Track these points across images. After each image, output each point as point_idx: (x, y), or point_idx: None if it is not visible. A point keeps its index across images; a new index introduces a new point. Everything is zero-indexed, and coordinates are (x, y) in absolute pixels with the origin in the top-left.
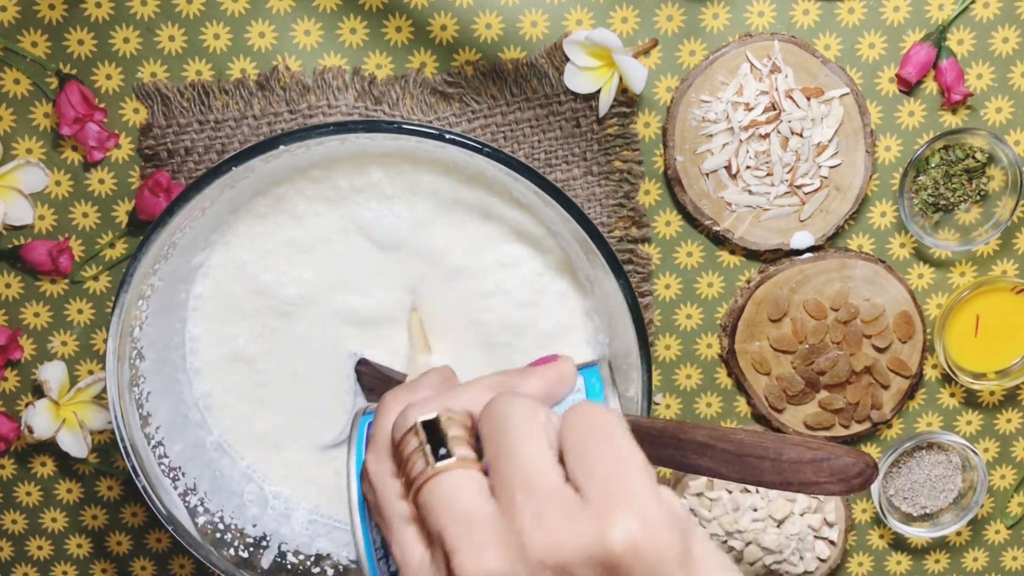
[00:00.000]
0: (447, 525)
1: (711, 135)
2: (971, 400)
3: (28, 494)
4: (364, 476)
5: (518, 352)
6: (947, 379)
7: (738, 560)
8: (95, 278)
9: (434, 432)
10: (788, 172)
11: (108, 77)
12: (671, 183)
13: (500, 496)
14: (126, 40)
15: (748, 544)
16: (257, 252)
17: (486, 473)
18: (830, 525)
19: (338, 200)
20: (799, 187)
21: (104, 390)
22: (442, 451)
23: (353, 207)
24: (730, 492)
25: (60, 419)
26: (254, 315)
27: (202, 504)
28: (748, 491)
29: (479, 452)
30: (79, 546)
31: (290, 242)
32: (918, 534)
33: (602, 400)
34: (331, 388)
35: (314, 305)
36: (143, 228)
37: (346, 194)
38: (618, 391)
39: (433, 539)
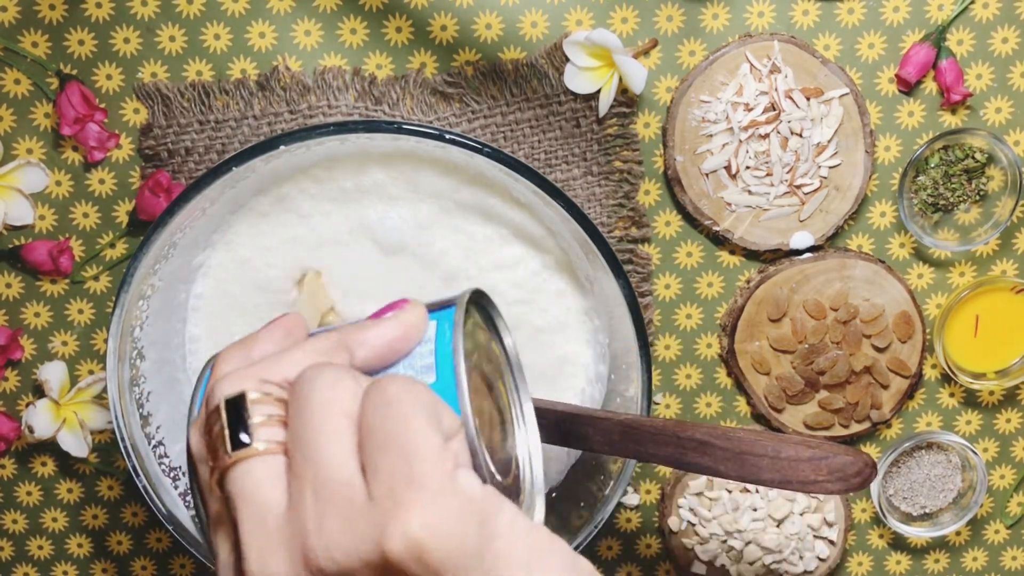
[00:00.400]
0: (241, 522)
1: (711, 135)
2: (970, 400)
3: (28, 494)
4: (188, 454)
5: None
6: (947, 379)
7: (738, 560)
8: (95, 278)
9: (239, 412)
10: (788, 172)
11: (108, 77)
12: (671, 183)
13: (292, 491)
14: (126, 40)
15: (748, 544)
16: (259, 249)
17: None
18: (830, 525)
19: (343, 200)
20: (799, 187)
21: (104, 390)
22: (243, 436)
23: (358, 208)
24: (730, 492)
25: (60, 419)
26: (253, 310)
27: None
28: (748, 491)
29: None
30: (79, 546)
31: (294, 239)
32: (918, 534)
33: (449, 346)
34: None
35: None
36: (143, 228)
37: (351, 195)
38: (498, 329)
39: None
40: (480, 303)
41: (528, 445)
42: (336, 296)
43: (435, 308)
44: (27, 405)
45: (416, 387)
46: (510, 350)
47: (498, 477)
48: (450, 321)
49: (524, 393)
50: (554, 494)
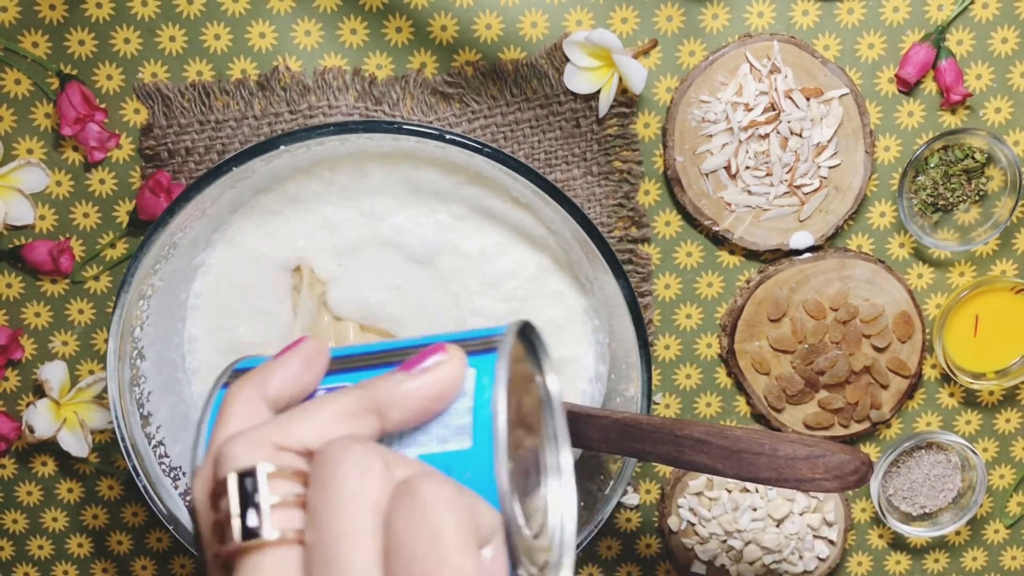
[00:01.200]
0: None
1: (711, 135)
2: (970, 400)
3: (29, 494)
4: (191, 504)
5: None
6: (946, 379)
7: (737, 560)
8: (96, 278)
9: (250, 488)
10: (787, 172)
11: (109, 77)
12: (671, 183)
13: None
14: (127, 40)
15: (748, 544)
16: (258, 247)
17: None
18: (829, 525)
19: (344, 197)
20: (798, 187)
21: (105, 390)
22: (253, 519)
23: (361, 206)
24: (729, 491)
25: (61, 419)
26: (252, 308)
27: None
28: (747, 490)
29: None
30: (80, 545)
31: (296, 236)
32: (917, 534)
33: (488, 409)
34: None
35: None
36: (144, 228)
37: (353, 193)
38: (545, 371)
39: None
40: (525, 334)
41: (563, 497)
42: (343, 295)
43: (475, 349)
44: (27, 405)
45: (451, 492)
46: (554, 393)
47: (526, 531)
48: (491, 375)
49: (564, 441)
50: None
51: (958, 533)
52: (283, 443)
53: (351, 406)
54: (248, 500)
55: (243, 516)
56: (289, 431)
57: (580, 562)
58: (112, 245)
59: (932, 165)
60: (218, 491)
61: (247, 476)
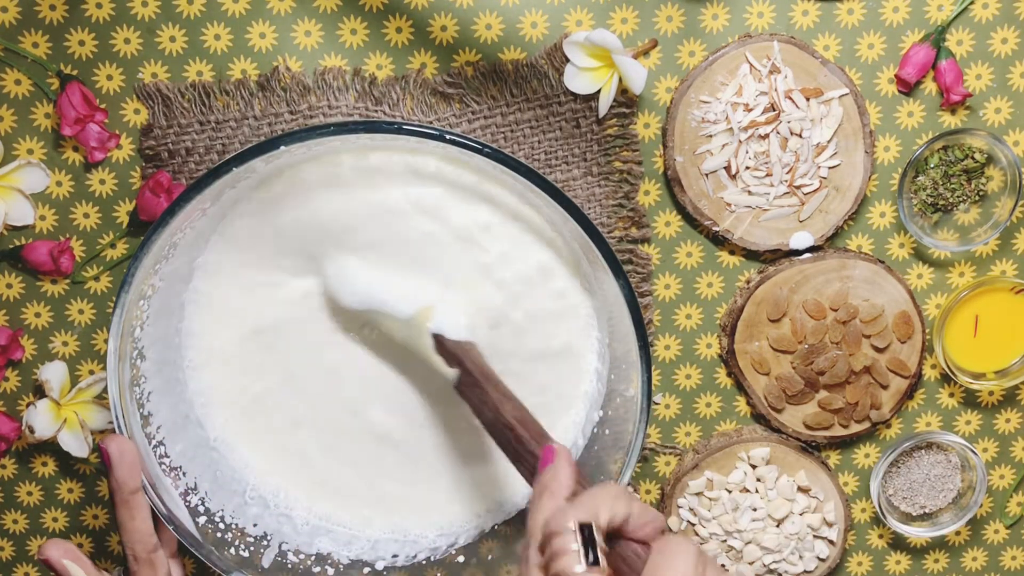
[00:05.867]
0: None
1: (711, 135)
2: (970, 400)
3: (29, 494)
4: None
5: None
6: (946, 379)
7: (738, 560)
8: (96, 278)
9: (588, 536)
10: (787, 172)
11: (109, 78)
12: (671, 183)
13: None
14: (127, 41)
15: (747, 543)
16: (256, 238)
17: None
18: (829, 525)
19: (344, 187)
20: (798, 187)
21: (105, 390)
22: (591, 557)
23: (365, 193)
24: (729, 492)
25: (61, 419)
26: (250, 302)
27: (203, 504)
28: (747, 490)
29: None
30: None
31: (296, 225)
32: (917, 534)
33: None
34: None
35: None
36: (144, 228)
37: (354, 181)
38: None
39: None
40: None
41: None
42: (362, 280)
43: None
44: (28, 405)
45: None
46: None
47: None
48: None
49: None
50: None
51: (958, 533)
52: (595, 513)
53: (619, 498)
54: (587, 541)
55: (586, 553)
56: (589, 506)
57: None
58: (112, 245)
59: (932, 165)
60: (551, 537)
61: (585, 528)
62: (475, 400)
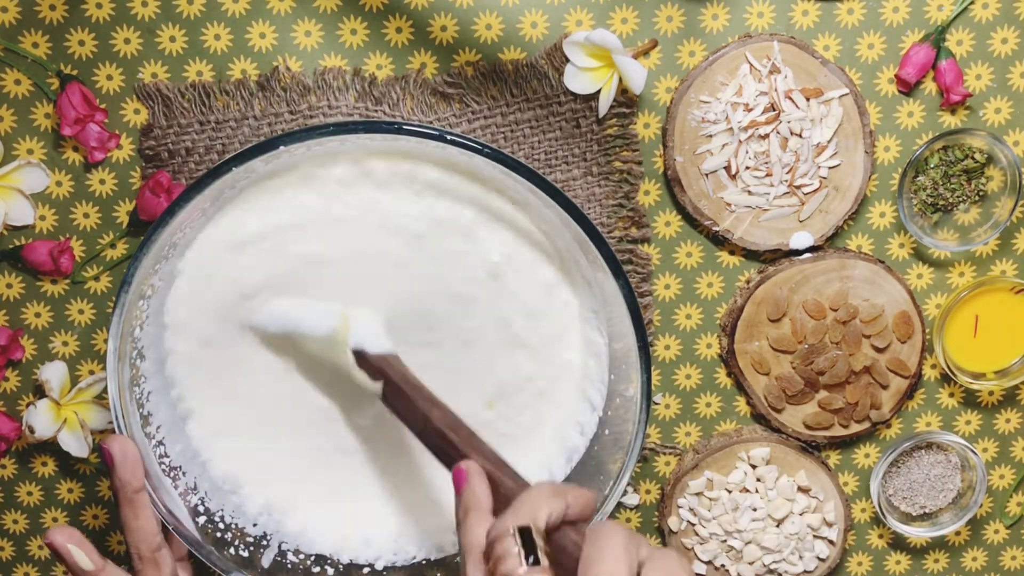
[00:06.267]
0: None
1: (711, 135)
2: (970, 400)
3: (29, 494)
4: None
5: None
6: (946, 379)
7: (738, 560)
8: (96, 278)
9: (527, 539)
10: (787, 172)
11: (109, 78)
12: (671, 183)
13: None
14: (127, 41)
15: (747, 543)
16: (238, 232)
17: None
18: (829, 525)
19: (337, 191)
20: (798, 187)
21: (105, 390)
22: (531, 558)
23: (356, 197)
24: (729, 492)
25: (61, 419)
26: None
27: (203, 504)
28: (747, 490)
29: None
30: None
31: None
32: (917, 534)
33: None
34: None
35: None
36: (144, 228)
37: (349, 185)
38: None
39: None
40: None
41: None
42: (343, 288)
43: None
44: (27, 405)
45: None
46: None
47: None
48: None
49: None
50: None
51: (958, 533)
52: (534, 517)
53: (557, 495)
54: (528, 545)
55: (527, 555)
56: (528, 510)
57: None
58: (112, 245)
59: (932, 165)
60: (493, 544)
61: (525, 532)
62: (403, 410)
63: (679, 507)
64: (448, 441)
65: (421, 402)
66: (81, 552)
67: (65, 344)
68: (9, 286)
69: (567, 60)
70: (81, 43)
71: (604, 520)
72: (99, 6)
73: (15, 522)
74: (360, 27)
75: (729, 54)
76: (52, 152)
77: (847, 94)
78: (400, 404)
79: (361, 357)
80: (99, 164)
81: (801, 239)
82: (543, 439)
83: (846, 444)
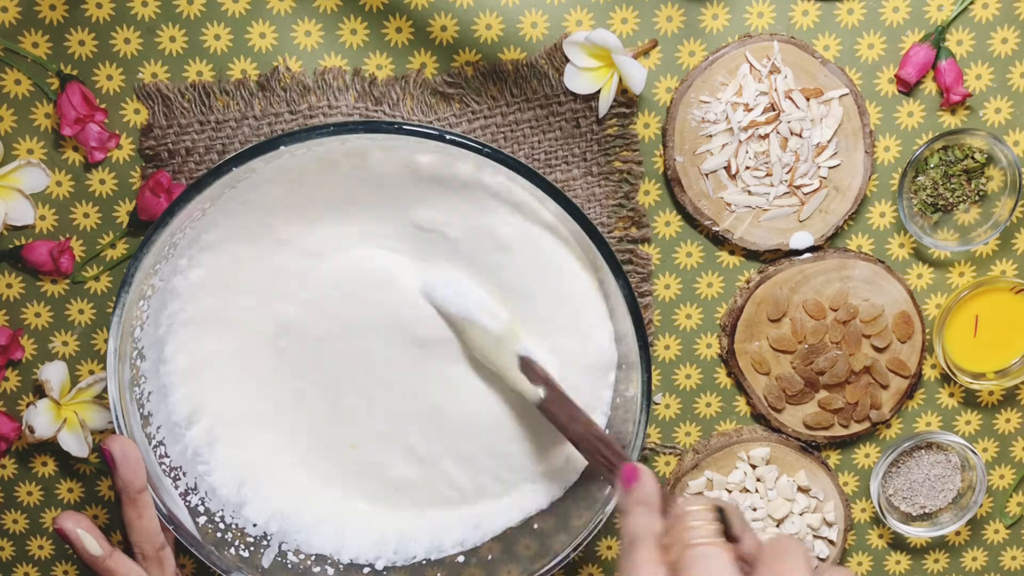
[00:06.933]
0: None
1: (711, 135)
2: (970, 400)
3: (29, 494)
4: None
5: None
6: (946, 379)
7: None
8: (96, 278)
9: (722, 517)
10: (787, 172)
11: (109, 78)
12: (671, 183)
13: None
14: (127, 41)
15: None
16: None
17: None
18: (829, 525)
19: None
20: (798, 187)
21: (105, 390)
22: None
23: (360, 194)
24: (729, 492)
25: (61, 419)
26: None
27: (203, 504)
28: (747, 490)
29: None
30: None
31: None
32: (917, 534)
33: None
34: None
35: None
36: (144, 228)
37: (353, 182)
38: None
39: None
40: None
41: None
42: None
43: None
44: (27, 405)
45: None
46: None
47: None
48: None
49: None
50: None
51: (958, 533)
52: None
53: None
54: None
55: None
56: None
57: (580, 562)
58: (112, 245)
59: (932, 165)
60: (686, 515)
61: (720, 509)
62: (563, 416)
63: None
64: (611, 448)
65: (582, 412)
66: (90, 537)
67: (65, 344)
68: (9, 286)
69: (567, 60)
70: (81, 43)
71: (784, 535)
72: (99, 6)
73: (15, 522)
74: (360, 27)
75: (729, 54)
76: (52, 152)
77: (847, 94)
78: (562, 411)
79: (526, 363)
80: (99, 164)
81: (801, 239)
82: None
83: (846, 444)
